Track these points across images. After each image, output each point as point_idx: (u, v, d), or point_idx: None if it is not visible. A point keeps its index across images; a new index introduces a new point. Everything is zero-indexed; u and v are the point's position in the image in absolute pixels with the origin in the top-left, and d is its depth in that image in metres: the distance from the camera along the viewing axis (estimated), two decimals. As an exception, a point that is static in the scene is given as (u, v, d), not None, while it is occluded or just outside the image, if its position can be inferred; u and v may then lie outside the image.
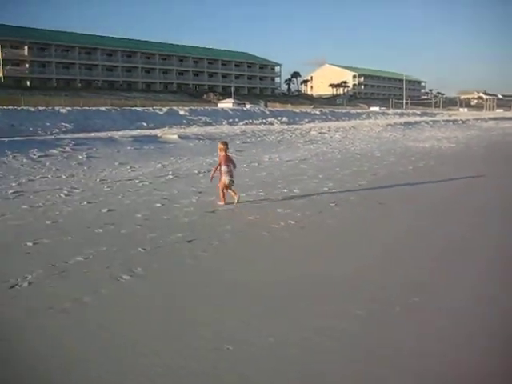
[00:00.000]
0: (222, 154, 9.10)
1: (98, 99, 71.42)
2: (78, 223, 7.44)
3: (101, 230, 7.03)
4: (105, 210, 8.28)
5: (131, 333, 3.97)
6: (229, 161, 9.10)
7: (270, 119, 36.55)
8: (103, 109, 30.24)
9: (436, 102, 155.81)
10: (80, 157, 14.94)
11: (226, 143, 9.35)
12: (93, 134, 19.97)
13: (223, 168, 8.94)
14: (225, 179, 8.91)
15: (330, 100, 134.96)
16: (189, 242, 6.52)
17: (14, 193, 9.88)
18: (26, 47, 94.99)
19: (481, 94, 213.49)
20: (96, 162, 14.54)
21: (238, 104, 75.95)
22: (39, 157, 14.47)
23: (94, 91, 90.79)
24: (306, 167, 14.14)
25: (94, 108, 31.35)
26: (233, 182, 9.04)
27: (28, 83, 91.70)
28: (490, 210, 8.79)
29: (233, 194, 8.96)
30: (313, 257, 5.99)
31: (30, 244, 6.33)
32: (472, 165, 15.80)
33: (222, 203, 8.87)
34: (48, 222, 7.50)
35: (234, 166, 9.21)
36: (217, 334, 3.91)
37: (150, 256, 5.91)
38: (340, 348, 3.69)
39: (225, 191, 8.99)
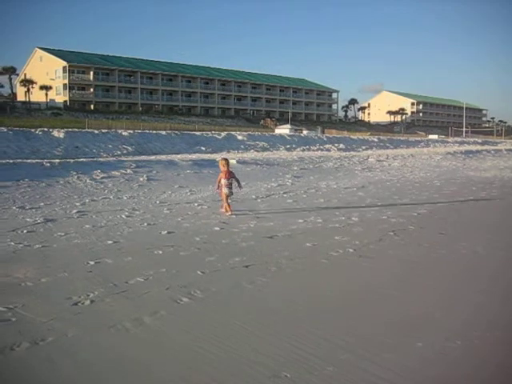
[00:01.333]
0: (225, 169, 10.59)
1: (157, 123, 73.19)
2: (138, 244, 7.57)
3: (160, 252, 7.13)
4: (164, 232, 8.41)
5: (189, 354, 3.99)
6: (230, 175, 10.61)
7: (327, 145, 36.47)
8: (163, 132, 30.92)
9: (498, 131, 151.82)
10: (141, 179, 15.29)
11: (226, 160, 10.94)
12: (153, 157, 20.41)
13: (223, 181, 10.46)
14: (225, 190, 10.38)
15: (387, 127, 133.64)
16: (246, 266, 6.52)
17: (77, 212, 10.19)
18: (91, 72, 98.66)
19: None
20: (156, 184, 14.83)
21: (295, 130, 76.14)
22: (102, 178, 14.90)
23: (154, 115, 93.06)
24: (363, 195, 13.99)
25: (154, 131, 32.06)
26: (231, 193, 10.57)
27: (92, 106, 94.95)
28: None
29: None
30: (372, 289, 5.87)
31: (92, 263, 6.48)
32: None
33: (229, 213, 10.22)
34: (110, 241, 7.67)
35: (238, 181, 10.79)
36: (274, 360, 3.88)
37: (208, 279, 5.94)
38: None
39: (229, 201, 10.43)
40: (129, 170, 16.32)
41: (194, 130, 49.12)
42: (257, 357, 3.96)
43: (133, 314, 4.78)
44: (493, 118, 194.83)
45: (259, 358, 3.94)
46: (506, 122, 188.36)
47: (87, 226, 8.84)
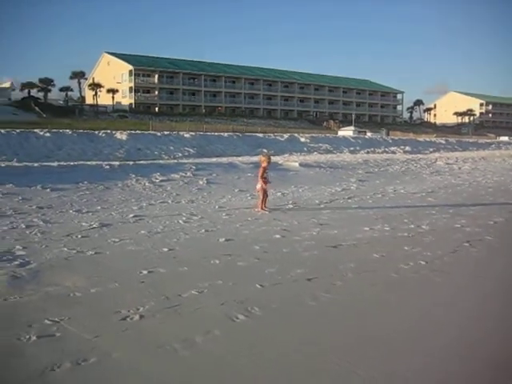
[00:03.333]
0: (267, 164, 11.01)
1: (220, 125, 73.50)
2: (195, 252, 7.19)
3: (217, 261, 6.71)
4: (222, 240, 7.99)
5: (243, 382, 3.54)
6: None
7: (392, 148, 35.44)
8: (225, 134, 30.79)
9: None
10: (200, 182, 15.00)
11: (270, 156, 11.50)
12: (214, 159, 20.17)
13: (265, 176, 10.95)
14: (264, 186, 10.80)
15: (454, 129, 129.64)
16: (309, 280, 6.00)
17: (134, 217, 9.92)
18: (156, 75, 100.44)
19: None
20: (216, 187, 14.51)
21: (359, 132, 74.86)
22: (161, 181, 14.71)
23: (217, 117, 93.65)
24: (433, 200, 13.19)
25: (216, 133, 31.98)
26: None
27: (156, 109, 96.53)
28: None
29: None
30: (448, 310, 5.24)
31: (145, 272, 6.12)
32: None
33: (260, 210, 10.65)
34: (165, 249, 7.32)
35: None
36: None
37: (267, 294, 5.46)
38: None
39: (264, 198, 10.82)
40: (188, 173, 16.08)
41: (257, 132, 48.88)
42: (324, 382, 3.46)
43: (183, 333, 4.37)
44: None
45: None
46: None
47: (143, 231, 8.54)
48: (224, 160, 20.35)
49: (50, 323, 4.52)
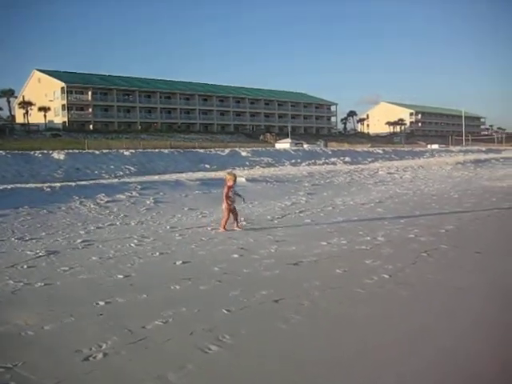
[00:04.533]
0: (232, 183, 10.70)
1: (157, 141, 72.64)
2: (152, 278, 6.83)
3: (178, 287, 6.37)
4: (179, 263, 7.65)
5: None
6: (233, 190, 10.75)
7: (332, 159, 35.82)
8: (165, 151, 30.30)
9: (498, 138, 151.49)
10: (148, 202, 14.52)
11: (235, 175, 11.26)
12: (157, 177, 19.70)
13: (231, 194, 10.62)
14: (231, 205, 10.55)
15: (387, 138, 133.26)
16: (276, 301, 5.76)
17: (82, 242, 9.41)
18: (89, 92, 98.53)
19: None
20: (164, 207, 14.06)
21: (296, 144, 75.60)
22: (106, 202, 14.14)
23: (154, 133, 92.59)
24: (383, 211, 13.26)
25: (156, 150, 31.44)
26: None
27: (91, 127, 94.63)
28: None
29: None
30: (418, 320, 5.12)
31: (101, 303, 5.72)
32: None
33: (221, 230, 10.34)
34: (120, 276, 6.91)
35: (239, 195, 11.12)
36: None
37: (235, 319, 5.19)
38: None
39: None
40: (134, 193, 15.56)
41: (195, 148, 48.54)
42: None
43: (155, 370, 4.04)
44: (491, 126, 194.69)
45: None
46: (504, 129, 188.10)
47: (94, 257, 8.07)
48: (168, 177, 19.89)
49: (2, 370, 4.06)
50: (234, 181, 10.78)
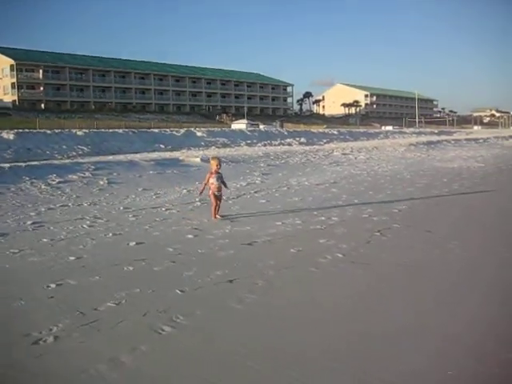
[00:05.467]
0: (216, 169, 9.70)
1: (112, 121, 71.36)
2: (105, 259, 6.72)
3: (131, 268, 6.29)
4: (133, 244, 7.55)
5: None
6: (219, 176, 9.74)
7: (288, 140, 35.90)
8: (120, 131, 29.76)
9: (450, 121, 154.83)
10: (101, 182, 14.26)
11: (219, 159, 10.11)
12: (111, 157, 19.37)
13: (213, 181, 9.63)
14: (216, 192, 9.59)
15: (342, 119, 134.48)
16: (230, 281, 5.76)
17: (32, 224, 9.17)
18: (40, 70, 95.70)
19: (493, 112, 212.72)
20: (118, 187, 13.83)
21: (252, 125, 75.40)
22: (58, 183, 13.82)
23: (108, 113, 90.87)
24: (338, 191, 13.38)
25: (110, 130, 30.86)
26: (221, 196, 9.83)
27: (42, 106, 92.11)
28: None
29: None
30: (374, 299, 5.20)
31: (53, 286, 5.60)
32: (510, 186, 15.01)
33: (213, 218, 9.54)
34: (72, 257, 6.78)
35: (224, 184, 9.88)
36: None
37: (190, 300, 5.16)
38: None
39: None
40: (87, 173, 15.25)
41: (150, 128, 47.86)
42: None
43: (107, 352, 3.98)
44: (443, 109, 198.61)
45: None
46: (456, 112, 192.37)
47: (44, 239, 7.88)
48: (122, 158, 19.58)
49: (-51, 353, 3.97)
50: (218, 166, 9.69)
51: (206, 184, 9.69)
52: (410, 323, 4.56)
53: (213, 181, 9.56)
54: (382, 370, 3.67)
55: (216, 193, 9.54)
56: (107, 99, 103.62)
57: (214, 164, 9.68)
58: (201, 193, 9.98)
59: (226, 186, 9.91)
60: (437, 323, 4.55)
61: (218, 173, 9.68)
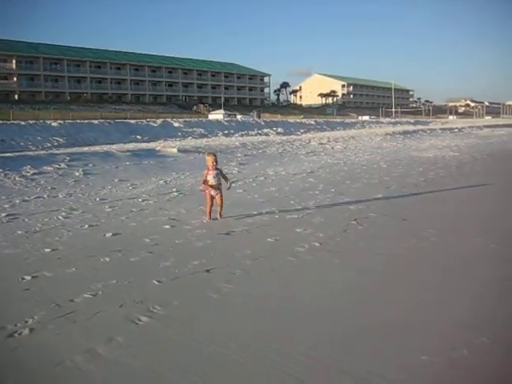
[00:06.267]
0: (213, 165, 8.72)
1: (87, 112, 70.50)
2: (81, 251, 6.66)
3: (107, 259, 6.26)
4: (109, 235, 7.50)
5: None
6: (218, 173, 8.79)
7: (265, 130, 35.91)
8: (95, 122, 29.46)
9: (425, 110, 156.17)
10: (76, 173, 14.11)
11: (215, 155, 8.97)
12: (86, 149, 19.17)
13: (210, 179, 8.69)
14: (212, 192, 8.64)
15: (319, 109, 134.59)
16: (208, 271, 5.77)
17: (7, 216, 9.05)
18: (13, 60, 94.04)
19: (468, 102, 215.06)
20: (94, 179, 13.71)
21: (229, 115, 75.19)
22: (33, 174, 13.64)
23: (84, 104, 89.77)
24: (315, 181, 13.44)
25: (85, 121, 30.52)
26: (219, 193, 8.69)
27: (16, 97, 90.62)
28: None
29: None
30: (350, 287, 5.25)
31: (28, 278, 5.55)
32: (484, 175, 15.20)
33: (206, 219, 8.63)
34: (47, 249, 6.71)
35: (226, 179, 8.89)
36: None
37: (167, 290, 5.16)
38: None
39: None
40: (62, 165, 15.08)
41: (126, 118, 47.43)
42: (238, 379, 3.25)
43: (83, 343, 3.96)
44: (419, 99, 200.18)
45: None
46: (431, 102, 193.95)
47: (19, 231, 7.80)
48: (98, 149, 19.39)
49: None
50: (214, 162, 8.64)
51: (204, 181, 8.67)
52: (386, 311, 4.61)
53: (209, 178, 8.61)
54: (363, 359, 3.71)
55: (212, 192, 8.57)
56: (82, 90, 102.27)
57: (209, 160, 8.70)
58: (204, 183, 8.74)
59: (226, 180, 8.83)
60: (412, 311, 4.61)
61: (216, 169, 8.70)
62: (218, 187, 8.61)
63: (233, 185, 12.74)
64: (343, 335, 4.10)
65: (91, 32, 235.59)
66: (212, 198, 8.61)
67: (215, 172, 8.65)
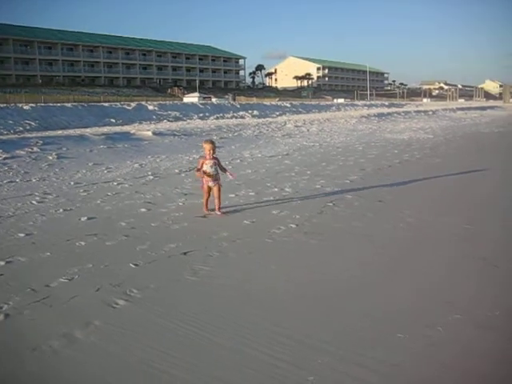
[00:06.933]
0: (210, 153, 7.73)
1: (60, 95, 69.44)
2: (56, 235, 6.58)
3: (83, 243, 6.19)
4: (84, 219, 7.42)
5: (136, 378, 3.25)
6: (215, 162, 7.82)
7: (240, 113, 35.75)
8: (69, 105, 29.00)
9: (400, 93, 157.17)
10: (50, 157, 13.88)
11: (213, 143, 7.94)
12: (60, 132, 18.88)
13: (207, 168, 7.71)
14: (209, 182, 7.74)
15: (295, 92, 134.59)
16: (184, 253, 5.76)
17: (-22, 201, 8.90)
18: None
19: (442, 85, 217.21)
20: (68, 162, 13.49)
21: (204, 98, 74.75)
22: (5, 159, 13.36)
23: (56, 87, 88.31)
24: (291, 163, 13.46)
25: (58, 104, 30.03)
26: (217, 184, 7.79)
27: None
28: (499, 204, 8.26)
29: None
30: (326, 267, 5.29)
31: (2, 263, 5.46)
32: (457, 156, 15.41)
33: (204, 212, 7.80)
34: (21, 234, 6.61)
35: (225, 170, 8.03)
36: (241, 374, 3.22)
37: (143, 273, 5.14)
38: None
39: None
40: (35, 148, 14.82)
41: (100, 102, 46.86)
42: (221, 373, 3.26)
43: (60, 328, 3.92)
44: (394, 81, 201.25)
45: (224, 374, 3.25)
46: (406, 85, 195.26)
47: (-8, 216, 7.66)
48: (72, 132, 19.12)
49: None
50: (211, 151, 7.71)
51: (199, 170, 7.71)
52: (361, 289, 4.66)
53: (206, 168, 7.67)
54: (339, 336, 3.75)
55: (210, 183, 7.72)
56: (54, 73, 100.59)
57: (206, 148, 7.70)
58: (198, 170, 7.78)
59: (224, 171, 8.00)
60: (384, 287, 4.67)
61: (213, 158, 7.78)
62: (215, 177, 7.76)
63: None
64: (320, 315, 4.14)
65: (63, 13, 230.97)
66: (209, 188, 7.75)
67: (212, 161, 7.73)
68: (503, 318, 4.03)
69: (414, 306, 4.28)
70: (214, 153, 7.77)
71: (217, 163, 7.79)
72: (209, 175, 7.68)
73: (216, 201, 7.77)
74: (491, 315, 4.07)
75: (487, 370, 3.29)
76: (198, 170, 7.75)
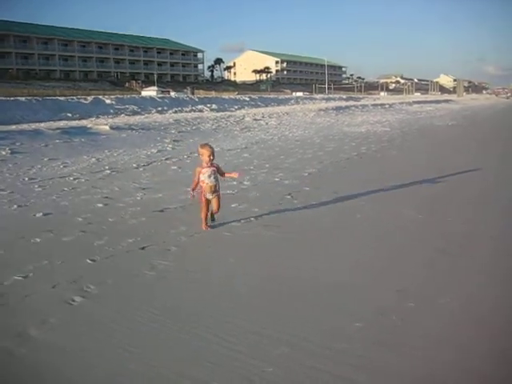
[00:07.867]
0: (208, 159, 6.46)
1: (13, 89, 67.76)
2: (10, 232, 6.44)
3: (38, 240, 6.08)
4: (39, 215, 7.28)
5: (96, 375, 3.22)
6: (214, 169, 6.56)
7: (199, 106, 35.52)
8: (22, 99, 28.26)
9: (357, 87, 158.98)
10: (3, 152, 13.50)
11: (211, 147, 6.60)
12: (14, 127, 18.41)
13: (204, 178, 6.49)
14: (208, 195, 6.54)
15: (253, 86, 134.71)
16: (142, 248, 5.72)
17: None
18: None
19: (398, 79, 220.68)
20: (22, 158, 13.14)
21: (162, 91, 74.11)
22: (-46, 155, 13.02)
23: (9, 81, 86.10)
24: (249, 156, 13.48)
25: (11, 98, 29.28)
26: (217, 194, 6.62)
27: None
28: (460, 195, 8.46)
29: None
30: (285, 259, 5.33)
31: (-47, 262, 5.33)
32: (413, 149, 15.72)
33: (203, 227, 6.63)
34: (-27, 231, 6.46)
35: (223, 174, 6.75)
36: (203, 368, 3.21)
37: (101, 269, 5.08)
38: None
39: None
40: (-13, 144, 14.45)
41: (56, 96, 45.92)
42: (181, 367, 3.25)
43: (14, 327, 3.85)
44: (351, 75, 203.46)
45: (184, 368, 3.24)
46: (363, 79, 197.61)
47: None
48: (26, 127, 18.68)
49: None
50: (210, 157, 6.44)
51: (196, 183, 6.54)
52: (320, 281, 4.72)
53: (204, 178, 6.46)
54: (295, 324, 3.79)
55: (208, 195, 6.51)
56: (7, 65, 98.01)
57: (205, 154, 6.44)
58: (193, 190, 6.60)
59: (223, 175, 6.72)
60: (341, 277, 4.74)
61: (212, 166, 6.51)
62: (215, 189, 6.56)
63: (167, 162, 12.67)
64: (278, 307, 4.17)
65: (14, 3, 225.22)
66: (208, 202, 6.57)
67: (211, 170, 6.48)
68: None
69: (367, 294, 4.36)
70: (213, 159, 6.51)
71: (216, 171, 6.56)
72: (207, 186, 6.48)
73: (214, 209, 6.70)
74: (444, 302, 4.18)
75: (434, 354, 3.39)
76: (194, 188, 6.59)
